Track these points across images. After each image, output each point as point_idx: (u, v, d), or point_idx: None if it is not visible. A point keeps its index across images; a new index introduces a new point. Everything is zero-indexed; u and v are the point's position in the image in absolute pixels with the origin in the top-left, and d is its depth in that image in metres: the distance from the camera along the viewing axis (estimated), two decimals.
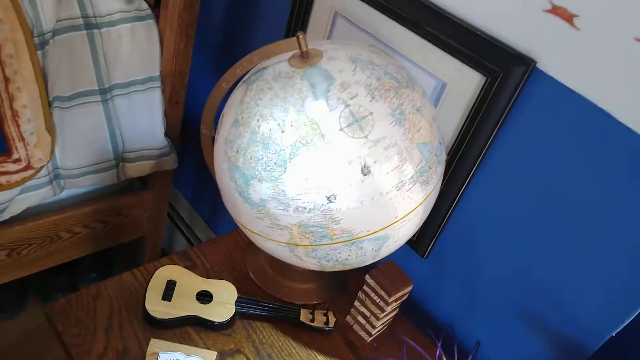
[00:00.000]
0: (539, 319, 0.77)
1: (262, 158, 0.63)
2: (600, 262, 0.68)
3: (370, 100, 0.62)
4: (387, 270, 0.79)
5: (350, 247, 0.66)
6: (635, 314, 0.66)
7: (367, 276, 0.79)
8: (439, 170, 0.69)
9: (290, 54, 0.67)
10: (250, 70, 0.70)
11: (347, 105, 0.62)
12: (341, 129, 0.61)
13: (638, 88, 0.58)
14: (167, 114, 1.14)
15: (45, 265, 1.17)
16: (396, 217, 0.65)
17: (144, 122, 1.12)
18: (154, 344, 0.69)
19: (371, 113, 0.62)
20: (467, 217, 0.82)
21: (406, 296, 0.81)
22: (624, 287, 0.66)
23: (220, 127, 0.70)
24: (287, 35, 0.99)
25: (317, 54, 0.66)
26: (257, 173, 0.63)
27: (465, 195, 0.81)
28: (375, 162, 0.62)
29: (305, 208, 0.63)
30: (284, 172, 0.62)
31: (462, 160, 0.78)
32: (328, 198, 0.62)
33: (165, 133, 1.15)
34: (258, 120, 0.64)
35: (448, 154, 0.79)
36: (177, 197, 1.51)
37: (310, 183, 0.61)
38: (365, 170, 0.62)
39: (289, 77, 0.64)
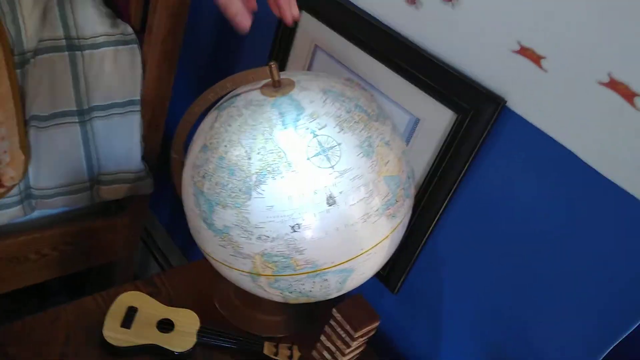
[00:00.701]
0: (506, 358, 0.75)
1: (228, 184, 0.62)
2: (570, 302, 0.67)
3: (339, 132, 0.62)
4: (354, 304, 0.78)
5: (314, 279, 0.65)
6: (604, 355, 0.65)
7: (333, 310, 0.77)
8: (407, 204, 0.68)
9: (263, 82, 0.67)
10: (223, 96, 0.70)
11: (315, 135, 0.61)
12: (308, 159, 0.61)
13: (600, 130, 0.59)
14: (145, 138, 1.13)
15: (11, 287, 1.14)
16: (361, 250, 0.64)
17: (122, 145, 1.11)
18: None
19: (339, 144, 0.62)
20: (438, 252, 0.81)
21: (373, 332, 0.79)
22: (593, 328, 0.65)
23: (189, 152, 0.70)
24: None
25: (290, 84, 0.66)
26: (221, 199, 0.62)
27: (436, 231, 0.80)
28: (341, 192, 0.61)
29: (268, 237, 0.62)
30: (249, 199, 0.61)
31: (433, 196, 0.78)
32: (292, 227, 0.61)
33: (142, 157, 1.15)
34: (226, 146, 0.63)
35: (419, 189, 0.79)
36: (153, 222, 1.49)
37: (274, 212, 0.61)
38: (331, 201, 0.61)
39: (259, 105, 0.64)
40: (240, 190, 0.61)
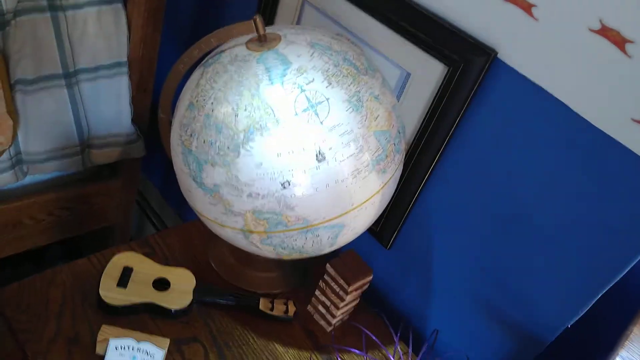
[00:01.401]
0: (497, 310, 0.77)
1: (216, 142, 0.62)
2: (557, 255, 0.68)
3: (327, 86, 0.61)
4: (347, 259, 0.79)
5: (305, 235, 0.65)
6: (590, 305, 0.67)
7: (327, 265, 0.78)
8: (397, 159, 0.68)
9: (249, 37, 0.66)
10: (209, 53, 0.69)
11: (302, 90, 0.61)
12: (296, 115, 0.60)
13: (591, 79, 0.58)
14: (134, 101, 1.12)
15: (7, 252, 1.15)
16: (352, 205, 0.65)
17: (111, 108, 1.10)
18: (105, 331, 0.68)
19: (327, 99, 0.61)
20: (430, 208, 0.82)
21: (366, 286, 0.81)
22: (580, 279, 0.67)
23: (176, 111, 0.69)
24: None
25: (275, 38, 0.65)
26: (210, 158, 0.62)
27: (427, 186, 0.81)
28: (330, 148, 0.61)
29: (259, 194, 0.62)
30: (237, 157, 0.61)
31: (424, 150, 0.77)
32: (282, 184, 0.61)
33: (132, 120, 1.13)
34: (212, 103, 0.62)
35: (411, 144, 0.79)
36: (146, 185, 1.49)
37: (263, 169, 0.60)
38: (320, 157, 0.61)
39: (245, 61, 0.63)
40: (228, 148, 0.61)
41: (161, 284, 0.77)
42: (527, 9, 0.61)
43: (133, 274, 0.76)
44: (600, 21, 0.55)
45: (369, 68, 0.66)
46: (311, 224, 0.64)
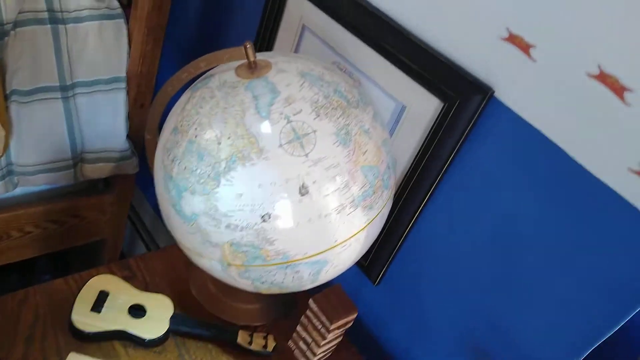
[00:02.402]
0: (486, 354, 0.73)
1: (197, 170, 0.60)
2: (552, 300, 0.65)
3: (315, 118, 0.59)
4: (332, 295, 0.76)
5: (285, 270, 0.63)
6: (585, 355, 0.64)
7: (310, 300, 0.75)
8: (385, 195, 0.66)
9: (239, 63, 0.64)
10: (198, 77, 0.67)
11: (289, 121, 0.59)
12: (281, 145, 0.58)
13: (589, 125, 0.55)
14: (130, 116, 1.11)
15: None
16: (335, 242, 0.62)
17: (106, 122, 1.09)
18: (72, 358, 0.65)
19: (314, 131, 0.59)
20: (420, 245, 0.79)
21: (350, 324, 0.77)
22: (575, 328, 0.63)
23: (162, 133, 0.67)
24: (256, 43, 0.97)
25: (266, 66, 0.63)
26: (190, 185, 0.60)
27: (418, 222, 0.78)
28: (314, 182, 0.59)
29: (237, 226, 0.59)
30: (218, 186, 0.59)
31: (416, 186, 0.75)
32: (262, 217, 0.59)
33: (127, 136, 1.12)
34: (196, 129, 0.60)
35: (402, 179, 0.76)
36: (141, 201, 1.47)
37: (244, 200, 0.58)
38: (304, 190, 0.58)
39: (233, 87, 0.61)
40: (209, 176, 0.59)
41: (137, 311, 0.74)
42: (526, 49, 0.59)
43: (109, 299, 0.74)
44: (599, 67, 0.53)
45: (360, 101, 0.64)
46: (291, 260, 0.61)
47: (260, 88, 0.60)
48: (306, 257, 0.62)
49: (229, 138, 0.58)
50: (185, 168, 0.60)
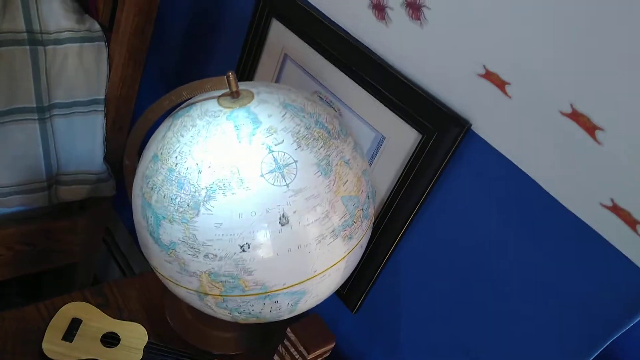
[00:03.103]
0: None
1: (176, 198, 0.59)
2: (529, 328, 0.66)
3: (297, 149, 0.60)
4: (309, 324, 0.75)
5: (263, 301, 0.62)
6: None
7: (287, 329, 0.75)
8: (365, 225, 0.66)
9: (222, 92, 0.65)
10: (180, 105, 0.67)
11: (271, 151, 0.59)
12: (262, 175, 0.58)
13: (561, 160, 0.57)
14: (108, 139, 1.10)
15: None
16: (315, 272, 0.62)
17: (83, 145, 1.07)
18: None
19: (295, 161, 0.59)
20: (399, 272, 0.79)
21: (327, 353, 0.77)
22: (551, 355, 0.64)
23: (141, 160, 0.67)
24: (237, 71, 0.97)
25: (248, 95, 0.63)
26: (169, 213, 0.60)
27: (397, 251, 0.78)
28: (295, 212, 0.59)
29: (216, 256, 0.59)
30: (197, 215, 0.58)
31: (395, 216, 0.76)
32: (241, 247, 0.58)
33: (105, 158, 1.11)
34: (177, 157, 0.60)
35: (381, 208, 0.77)
36: (116, 224, 1.44)
37: (223, 229, 0.58)
38: (284, 220, 0.59)
39: (214, 116, 0.62)
40: (188, 205, 0.59)
41: (110, 339, 0.73)
42: (502, 86, 0.60)
43: (81, 327, 0.72)
44: (572, 105, 0.54)
45: (341, 132, 0.65)
46: (270, 290, 0.61)
47: (242, 118, 0.61)
48: (285, 288, 0.62)
49: (209, 167, 0.58)
50: (164, 196, 0.60)
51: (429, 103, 0.68)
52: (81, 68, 1.02)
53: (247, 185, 0.58)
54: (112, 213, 1.40)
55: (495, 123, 0.63)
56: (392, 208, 0.75)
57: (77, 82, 1.02)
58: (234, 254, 0.58)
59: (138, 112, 1.13)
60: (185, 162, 0.60)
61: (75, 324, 0.72)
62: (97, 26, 1.03)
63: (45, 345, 0.69)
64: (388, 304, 0.82)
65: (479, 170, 0.67)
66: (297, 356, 0.74)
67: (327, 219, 0.61)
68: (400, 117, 0.72)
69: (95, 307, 0.75)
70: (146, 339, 0.74)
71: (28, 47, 0.96)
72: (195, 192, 0.58)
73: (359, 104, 0.77)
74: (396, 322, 0.81)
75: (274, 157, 0.59)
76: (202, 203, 0.58)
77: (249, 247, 0.58)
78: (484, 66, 0.61)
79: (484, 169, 0.67)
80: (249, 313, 0.64)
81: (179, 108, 0.68)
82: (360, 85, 0.76)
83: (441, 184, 0.71)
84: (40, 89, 0.99)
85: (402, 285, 0.79)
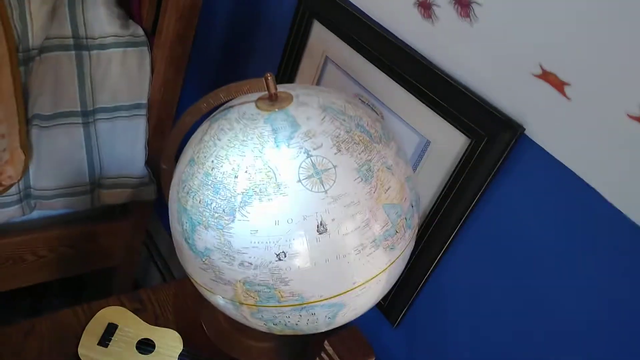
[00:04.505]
0: None
1: (211, 203, 0.57)
2: (582, 349, 0.60)
3: (336, 153, 0.57)
4: (348, 337, 0.72)
5: (300, 313, 0.59)
6: None
7: (325, 342, 0.72)
8: (408, 235, 0.62)
9: (260, 94, 0.62)
10: (218, 107, 0.66)
11: (309, 156, 0.56)
12: (299, 181, 0.55)
13: (626, 167, 0.52)
14: (150, 143, 1.10)
15: (5, 287, 1.12)
16: (354, 284, 0.59)
17: (125, 149, 1.08)
18: None
19: (335, 166, 0.56)
20: (444, 287, 0.75)
21: None
22: None
23: (178, 164, 0.65)
24: (278, 74, 0.95)
25: (287, 98, 0.61)
26: (204, 219, 0.58)
27: (442, 264, 0.74)
28: (333, 220, 0.56)
29: (251, 264, 0.56)
30: (232, 221, 0.56)
31: (440, 226, 0.71)
32: (277, 255, 0.56)
33: (146, 162, 1.11)
34: (213, 161, 0.58)
35: (426, 217, 0.73)
36: (158, 228, 1.45)
37: (258, 237, 0.56)
38: (322, 229, 0.56)
39: (252, 119, 0.59)
40: (223, 211, 0.56)
41: (146, 346, 0.72)
42: (560, 87, 0.56)
43: (117, 332, 0.71)
44: None
45: (383, 136, 0.62)
46: (307, 302, 0.58)
47: (280, 121, 0.58)
48: (322, 300, 0.59)
49: (246, 171, 0.56)
50: (200, 201, 0.58)
51: (479, 106, 0.64)
52: (124, 73, 1.03)
53: (284, 191, 0.55)
54: (154, 217, 1.41)
55: (552, 127, 0.58)
56: (437, 218, 0.71)
57: (120, 87, 1.03)
58: (270, 262, 0.56)
59: (179, 117, 1.13)
60: (222, 166, 0.58)
61: (110, 329, 0.71)
62: (140, 31, 1.03)
63: (81, 350, 0.68)
64: (431, 320, 0.77)
65: (533, 178, 0.62)
66: None
67: (368, 227, 0.57)
68: (447, 120, 0.68)
69: (131, 313, 0.74)
70: (181, 346, 0.73)
71: (74, 52, 0.98)
72: (231, 197, 0.56)
73: (403, 106, 0.74)
74: (439, 339, 0.77)
75: (312, 162, 0.56)
76: (237, 209, 0.56)
77: (285, 256, 0.56)
78: (541, 65, 0.57)
79: (538, 177, 0.62)
80: (285, 325, 0.61)
81: (217, 111, 0.66)
82: (404, 87, 0.73)
83: (491, 192, 0.67)
84: (84, 93, 1.01)
85: (448, 301, 0.75)
